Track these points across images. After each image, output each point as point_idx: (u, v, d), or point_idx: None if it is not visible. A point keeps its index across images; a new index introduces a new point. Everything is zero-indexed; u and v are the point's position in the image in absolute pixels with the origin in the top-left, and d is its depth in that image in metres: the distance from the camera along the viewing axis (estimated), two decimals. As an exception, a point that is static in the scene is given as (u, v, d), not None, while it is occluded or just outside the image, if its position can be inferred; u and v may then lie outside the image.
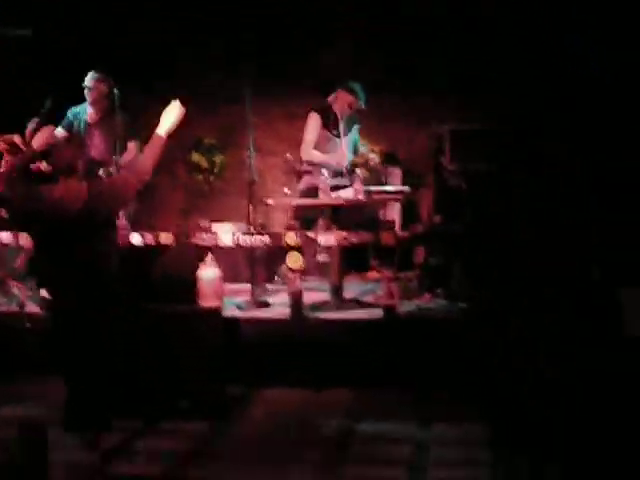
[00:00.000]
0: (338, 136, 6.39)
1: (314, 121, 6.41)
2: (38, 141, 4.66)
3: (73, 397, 4.25)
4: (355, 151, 6.57)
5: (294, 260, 5.39)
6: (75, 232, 4.21)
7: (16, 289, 6.10)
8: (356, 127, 6.62)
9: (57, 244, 4.25)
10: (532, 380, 4.47)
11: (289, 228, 5.59)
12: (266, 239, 5.53)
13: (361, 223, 5.83)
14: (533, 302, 5.02)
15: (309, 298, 5.65)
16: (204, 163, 7.92)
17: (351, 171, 6.17)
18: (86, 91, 6.61)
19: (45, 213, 4.23)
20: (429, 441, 4.24)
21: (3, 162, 6.38)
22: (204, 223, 5.56)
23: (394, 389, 4.97)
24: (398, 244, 5.69)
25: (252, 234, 5.64)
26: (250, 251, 6.01)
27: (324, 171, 5.93)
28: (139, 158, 4.61)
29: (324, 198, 5.86)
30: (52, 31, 7.69)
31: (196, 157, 7.93)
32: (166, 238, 5.54)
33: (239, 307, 5.67)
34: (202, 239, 5.50)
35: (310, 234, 5.55)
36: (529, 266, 5.36)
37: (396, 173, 6.88)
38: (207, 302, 5.24)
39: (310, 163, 6.27)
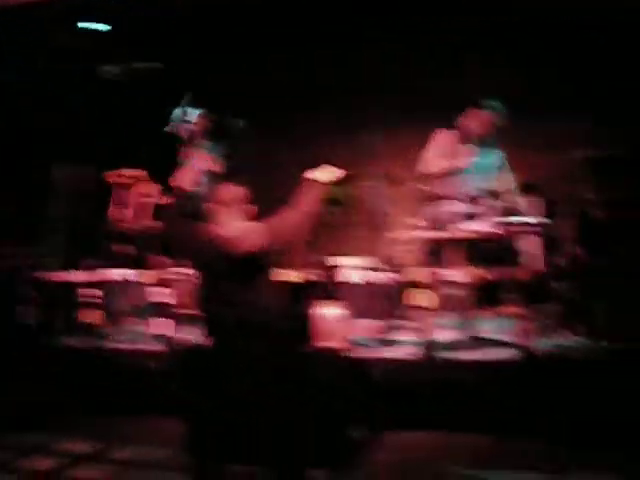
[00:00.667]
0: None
1: (440, 136, 5.98)
2: (186, 180, 4.63)
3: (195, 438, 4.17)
4: (491, 178, 6.21)
5: (424, 297, 5.17)
6: (245, 271, 4.15)
7: (137, 326, 6.19)
8: (495, 152, 6.21)
9: (224, 282, 4.19)
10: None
11: (419, 263, 5.33)
12: (395, 275, 5.32)
13: (496, 256, 5.50)
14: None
15: (439, 336, 5.39)
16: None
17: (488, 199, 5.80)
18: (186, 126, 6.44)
19: (215, 251, 4.18)
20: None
21: (130, 195, 6.53)
22: (330, 258, 5.38)
23: (527, 435, 4.70)
24: (536, 278, 5.35)
25: (380, 270, 5.44)
26: (378, 287, 5.78)
27: (455, 201, 5.63)
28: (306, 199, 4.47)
29: (456, 231, 5.57)
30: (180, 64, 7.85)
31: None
32: (295, 277, 5.41)
33: (365, 345, 5.48)
34: (328, 275, 5.35)
35: (441, 270, 5.29)
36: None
37: (533, 203, 6.50)
38: (332, 341, 5.08)
39: (432, 176, 5.89)
